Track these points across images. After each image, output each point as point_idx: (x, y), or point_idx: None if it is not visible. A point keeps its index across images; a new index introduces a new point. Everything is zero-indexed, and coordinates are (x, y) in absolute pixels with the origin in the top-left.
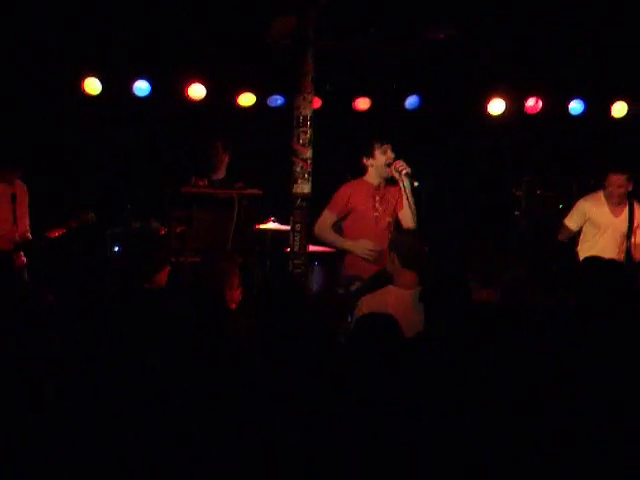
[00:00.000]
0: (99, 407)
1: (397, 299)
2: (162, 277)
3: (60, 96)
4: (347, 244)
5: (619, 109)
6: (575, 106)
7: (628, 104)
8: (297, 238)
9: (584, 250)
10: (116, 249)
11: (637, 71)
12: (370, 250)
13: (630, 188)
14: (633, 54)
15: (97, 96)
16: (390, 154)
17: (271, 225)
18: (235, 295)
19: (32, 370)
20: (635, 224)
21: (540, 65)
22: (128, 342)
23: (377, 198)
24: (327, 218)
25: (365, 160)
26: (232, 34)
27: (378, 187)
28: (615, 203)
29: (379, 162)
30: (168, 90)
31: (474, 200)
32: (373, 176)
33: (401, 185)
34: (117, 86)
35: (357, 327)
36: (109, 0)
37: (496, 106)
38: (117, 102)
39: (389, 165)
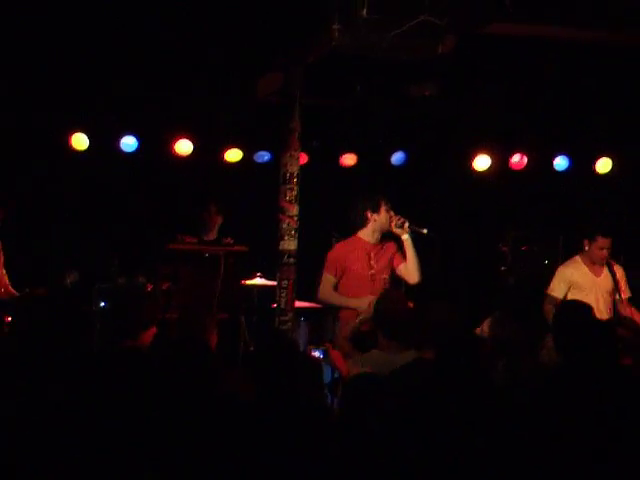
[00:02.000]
0: (81, 464)
1: (382, 364)
2: (148, 335)
3: (47, 151)
4: (352, 303)
5: (603, 165)
6: (560, 162)
7: (612, 160)
8: (284, 294)
9: None
10: (102, 304)
11: (621, 128)
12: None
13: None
14: (617, 111)
15: (84, 151)
16: (392, 213)
17: (258, 281)
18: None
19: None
20: (618, 278)
21: (525, 121)
22: (109, 401)
23: (372, 255)
24: (327, 281)
25: (369, 214)
26: (219, 90)
27: (374, 244)
28: (597, 264)
29: (383, 218)
30: (155, 146)
31: (460, 256)
32: (370, 232)
33: (404, 239)
34: (104, 141)
35: (348, 389)
36: (97, 56)
37: (481, 162)
38: (104, 157)
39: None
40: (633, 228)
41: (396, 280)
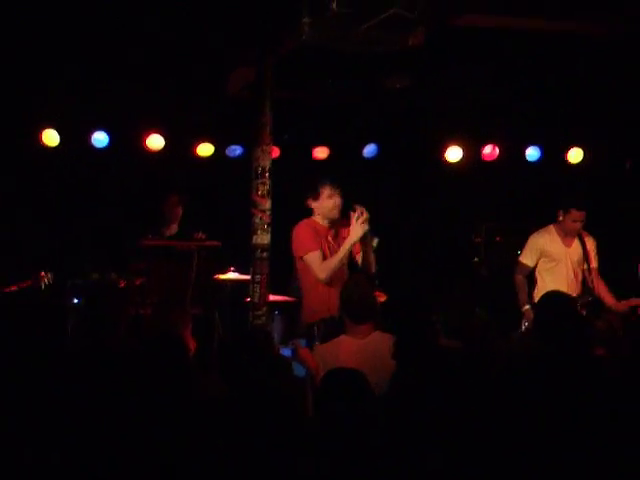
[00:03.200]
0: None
1: (350, 349)
2: (120, 330)
3: (18, 148)
4: (346, 245)
5: (575, 155)
6: (531, 152)
7: (584, 150)
8: (257, 289)
9: (545, 283)
10: (75, 301)
11: (593, 118)
12: (362, 219)
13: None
14: (588, 100)
15: (55, 147)
16: (337, 199)
17: (231, 275)
18: (188, 346)
19: None
20: (588, 249)
21: (496, 112)
22: (83, 398)
23: (329, 238)
24: (317, 258)
25: (311, 202)
26: (191, 85)
27: (328, 227)
28: (569, 236)
29: (325, 206)
30: (127, 141)
31: (433, 248)
32: (320, 218)
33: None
34: (75, 137)
35: (325, 385)
36: (67, 52)
37: (453, 153)
38: (75, 153)
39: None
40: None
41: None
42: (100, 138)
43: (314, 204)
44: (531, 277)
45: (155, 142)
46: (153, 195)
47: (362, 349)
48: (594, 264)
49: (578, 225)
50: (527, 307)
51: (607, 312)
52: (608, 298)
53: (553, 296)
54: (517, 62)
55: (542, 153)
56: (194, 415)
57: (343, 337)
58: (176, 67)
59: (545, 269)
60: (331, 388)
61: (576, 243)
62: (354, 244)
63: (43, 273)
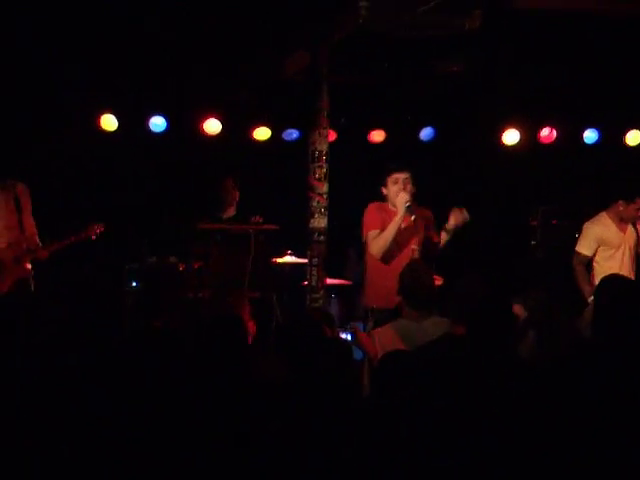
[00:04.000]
0: (109, 447)
1: (408, 332)
2: (178, 313)
3: (77, 133)
4: (396, 219)
5: (633, 137)
6: (589, 135)
7: None
8: (314, 272)
9: (603, 271)
10: (133, 284)
11: None
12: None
13: None
14: None
15: (113, 132)
16: (401, 183)
17: (288, 259)
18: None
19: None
20: None
21: (554, 95)
22: (143, 382)
23: (402, 225)
24: (374, 235)
25: (382, 189)
26: (247, 69)
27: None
28: (625, 222)
29: (390, 192)
30: (184, 125)
31: (490, 231)
32: (391, 204)
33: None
34: (133, 122)
35: (382, 367)
36: (125, 37)
37: (510, 136)
38: (133, 138)
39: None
40: None
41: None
42: (158, 122)
43: (384, 190)
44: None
45: (212, 126)
46: (210, 179)
47: (419, 332)
48: None
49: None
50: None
51: None
52: None
53: (613, 280)
54: (574, 44)
55: (600, 135)
56: (253, 397)
57: (401, 320)
58: (233, 52)
59: (603, 257)
60: (388, 370)
61: (630, 229)
62: (402, 217)
63: (95, 225)
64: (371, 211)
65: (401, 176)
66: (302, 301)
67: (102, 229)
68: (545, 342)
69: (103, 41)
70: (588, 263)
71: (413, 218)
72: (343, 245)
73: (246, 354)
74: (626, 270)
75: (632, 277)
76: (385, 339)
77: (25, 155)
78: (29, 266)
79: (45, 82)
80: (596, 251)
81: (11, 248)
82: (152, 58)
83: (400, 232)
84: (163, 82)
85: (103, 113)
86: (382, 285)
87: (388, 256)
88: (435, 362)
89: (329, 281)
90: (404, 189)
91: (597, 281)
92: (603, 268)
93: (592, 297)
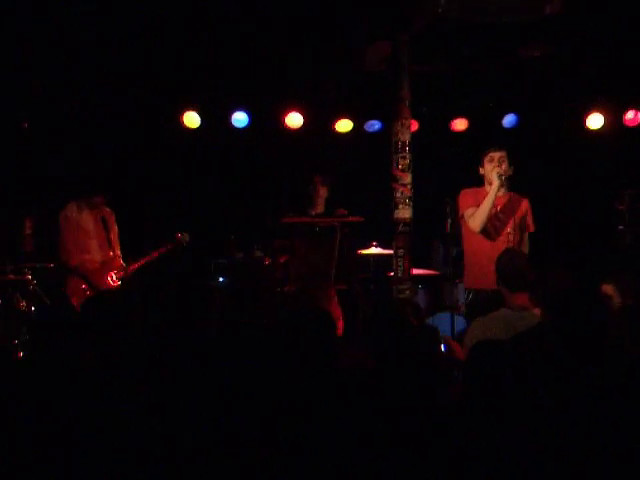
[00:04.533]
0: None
1: (508, 322)
2: (265, 307)
3: (160, 131)
4: (491, 192)
5: None
6: None
7: None
8: (400, 263)
9: None
10: (221, 279)
11: None
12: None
13: None
14: None
15: (196, 129)
16: (497, 161)
17: (373, 250)
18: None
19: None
20: None
21: (637, 77)
22: (232, 377)
23: (497, 207)
24: (471, 212)
25: (480, 169)
26: (328, 61)
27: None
28: None
29: (486, 169)
30: (266, 120)
31: (577, 216)
32: (488, 186)
33: (493, 185)
34: (216, 118)
35: (470, 358)
36: (207, 35)
37: (595, 120)
38: (216, 134)
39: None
40: None
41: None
42: (240, 118)
43: (481, 170)
44: None
45: (294, 120)
46: (295, 174)
47: (518, 322)
48: None
49: None
50: None
51: None
52: None
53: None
54: None
55: None
56: (341, 388)
57: (502, 310)
58: (313, 44)
59: None
60: (477, 359)
61: None
62: (497, 188)
63: (180, 234)
64: (465, 194)
65: (497, 155)
66: (389, 292)
67: (187, 239)
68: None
69: (184, 37)
70: None
71: (508, 197)
72: (429, 236)
73: (334, 346)
74: None
75: None
76: (484, 328)
77: (109, 162)
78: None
79: (126, 81)
80: None
81: (105, 266)
82: (233, 53)
83: (496, 214)
84: (244, 77)
85: (186, 110)
86: (480, 267)
87: (486, 235)
88: (526, 353)
89: (415, 271)
90: (499, 166)
91: None
92: None
93: None
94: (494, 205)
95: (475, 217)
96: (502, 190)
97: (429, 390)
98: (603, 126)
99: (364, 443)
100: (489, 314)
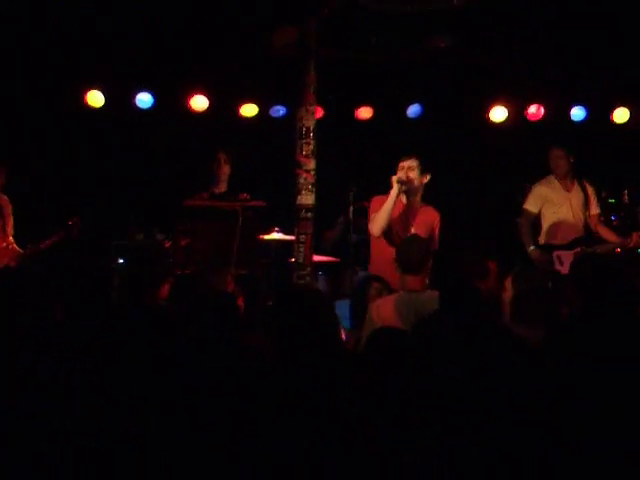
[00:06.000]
0: (102, 428)
1: (405, 302)
2: (163, 291)
3: (62, 109)
4: (390, 196)
5: (621, 115)
6: (577, 112)
7: (630, 110)
8: (302, 249)
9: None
10: (120, 261)
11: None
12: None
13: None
14: (635, 60)
15: (100, 108)
16: (405, 171)
17: (275, 235)
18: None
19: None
20: (589, 194)
21: (541, 72)
22: (132, 358)
23: (406, 215)
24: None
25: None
26: (234, 45)
27: (408, 206)
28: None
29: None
30: (171, 102)
31: (476, 207)
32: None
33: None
34: (120, 98)
35: (370, 342)
36: (111, 13)
37: (498, 113)
38: (120, 114)
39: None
40: None
41: None
42: (144, 99)
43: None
44: None
45: (199, 103)
46: (199, 154)
47: (418, 304)
48: (595, 211)
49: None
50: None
51: None
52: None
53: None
54: (561, 21)
55: (587, 113)
56: (241, 374)
57: (401, 292)
58: (219, 27)
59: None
60: (374, 348)
61: (576, 187)
62: (396, 192)
63: (71, 221)
64: (375, 200)
65: (406, 163)
66: (289, 278)
67: (78, 221)
68: None
69: (90, 15)
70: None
71: (420, 208)
72: (330, 222)
73: (237, 332)
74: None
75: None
76: (382, 310)
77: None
78: None
79: (31, 58)
80: (541, 209)
81: None
82: (138, 34)
83: (402, 221)
84: (149, 58)
85: (89, 89)
86: (385, 273)
87: (389, 241)
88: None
89: (316, 258)
90: (404, 173)
91: None
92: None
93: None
94: (403, 213)
95: (374, 221)
96: (418, 200)
97: (332, 378)
98: (506, 119)
99: (266, 429)
100: (388, 296)
